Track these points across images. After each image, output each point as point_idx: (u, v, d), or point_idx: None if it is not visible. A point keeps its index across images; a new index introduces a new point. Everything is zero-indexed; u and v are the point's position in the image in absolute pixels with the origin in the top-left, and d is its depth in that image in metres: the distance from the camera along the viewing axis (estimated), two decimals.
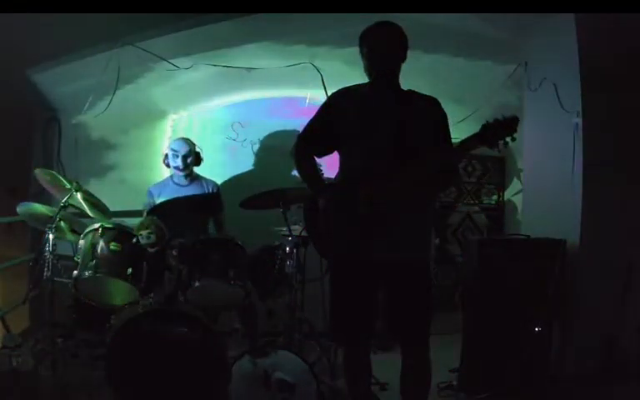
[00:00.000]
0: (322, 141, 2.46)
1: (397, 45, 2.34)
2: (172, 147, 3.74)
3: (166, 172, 3.94)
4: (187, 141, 3.78)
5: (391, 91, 2.37)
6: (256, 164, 4.54)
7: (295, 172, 2.61)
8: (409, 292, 2.32)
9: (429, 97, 2.42)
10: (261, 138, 4.56)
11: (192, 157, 3.75)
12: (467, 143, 2.19)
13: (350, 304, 2.38)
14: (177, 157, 3.70)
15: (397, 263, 2.29)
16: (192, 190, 3.78)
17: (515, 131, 2.14)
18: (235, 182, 4.44)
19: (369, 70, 2.35)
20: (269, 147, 4.49)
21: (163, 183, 3.82)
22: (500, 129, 2.13)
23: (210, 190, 3.84)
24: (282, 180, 4.40)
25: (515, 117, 2.14)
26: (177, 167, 3.72)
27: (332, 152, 2.52)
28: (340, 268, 2.41)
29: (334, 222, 2.33)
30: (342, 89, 2.48)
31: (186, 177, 3.77)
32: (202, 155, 3.85)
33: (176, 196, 3.74)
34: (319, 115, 2.48)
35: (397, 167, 2.24)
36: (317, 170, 2.52)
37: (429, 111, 2.39)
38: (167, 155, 3.79)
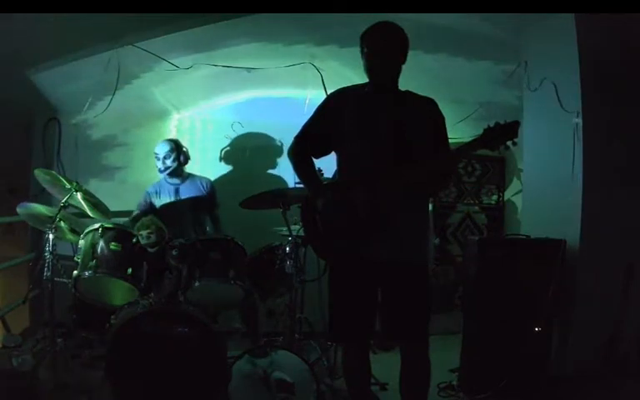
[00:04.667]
0: (319, 142, 2.46)
1: (398, 47, 2.33)
2: (155, 151, 3.82)
3: None
4: (168, 142, 3.84)
5: (389, 92, 2.36)
6: (255, 164, 4.54)
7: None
8: (407, 292, 2.32)
9: (426, 97, 2.42)
10: (261, 138, 4.57)
11: (174, 156, 3.79)
12: (469, 146, 2.21)
13: (349, 304, 2.38)
14: (159, 160, 3.78)
15: (395, 263, 2.29)
16: (186, 188, 3.83)
17: (516, 135, 2.15)
18: (235, 181, 4.44)
19: (369, 71, 2.35)
20: (269, 147, 4.49)
21: (159, 184, 3.85)
22: (501, 133, 2.14)
23: (204, 187, 3.88)
24: (282, 180, 4.43)
25: (516, 121, 2.15)
26: (159, 170, 3.78)
27: (328, 153, 2.51)
28: (339, 269, 2.41)
29: (333, 223, 2.33)
30: (340, 90, 2.48)
31: (175, 176, 3.80)
32: (189, 153, 3.90)
33: (171, 194, 3.79)
34: (316, 116, 2.47)
35: (395, 168, 2.25)
36: (314, 170, 2.52)
37: (427, 111, 2.39)
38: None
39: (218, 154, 4.45)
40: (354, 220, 2.26)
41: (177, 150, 3.81)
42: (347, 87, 2.46)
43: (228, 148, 4.51)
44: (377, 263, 2.29)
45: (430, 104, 2.41)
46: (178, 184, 3.81)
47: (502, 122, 2.13)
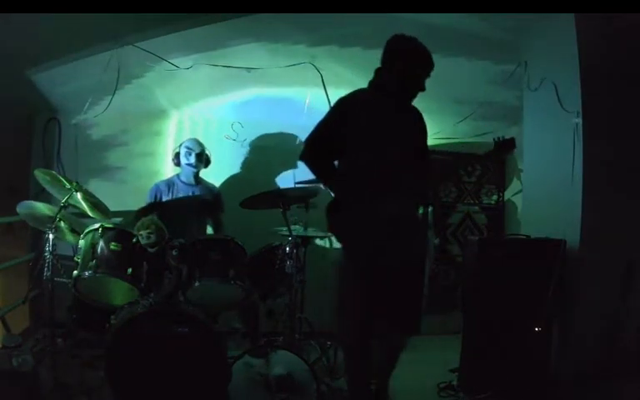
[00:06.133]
0: (333, 145, 2.49)
1: None
2: (187, 144, 3.82)
3: (170, 172, 3.98)
4: (199, 142, 3.88)
5: (393, 99, 2.43)
6: (256, 164, 4.54)
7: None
8: (413, 287, 2.44)
9: (413, 105, 2.60)
10: (260, 138, 4.56)
11: (204, 156, 3.85)
12: (490, 155, 2.55)
13: (362, 305, 2.44)
14: (191, 154, 3.78)
15: (405, 263, 2.37)
16: (198, 191, 3.85)
17: (515, 147, 2.49)
18: (235, 181, 4.44)
19: (414, 85, 2.48)
20: (269, 148, 4.48)
21: (171, 181, 3.85)
22: (507, 146, 2.46)
23: (212, 193, 3.91)
24: (282, 180, 4.43)
25: (512, 137, 2.51)
26: (190, 164, 3.78)
27: (337, 159, 2.55)
28: (364, 268, 2.44)
29: (361, 224, 2.39)
30: (352, 94, 2.54)
31: (195, 176, 3.81)
32: (211, 158, 3.94)
33: (182, 195, 3.78)
34: (331, 119, 2.52)
35: (409, 171, 2.38)
36: (336, 170, 2.56)
37: (419, 119, 2.59)
38: (177, 153, 3.84)
39: (217, 155, 4.44)
40: (383, 222, 2.34)
41: (205, 152, 3.87)
42: (356, 92, 2.54)
43: (228, 149, 4.50)
44: (391, 264, 2.35)
45: (418, 111, 2.61)
46: (193, 185, 3.83)
47: (501, 136, 2.46)
